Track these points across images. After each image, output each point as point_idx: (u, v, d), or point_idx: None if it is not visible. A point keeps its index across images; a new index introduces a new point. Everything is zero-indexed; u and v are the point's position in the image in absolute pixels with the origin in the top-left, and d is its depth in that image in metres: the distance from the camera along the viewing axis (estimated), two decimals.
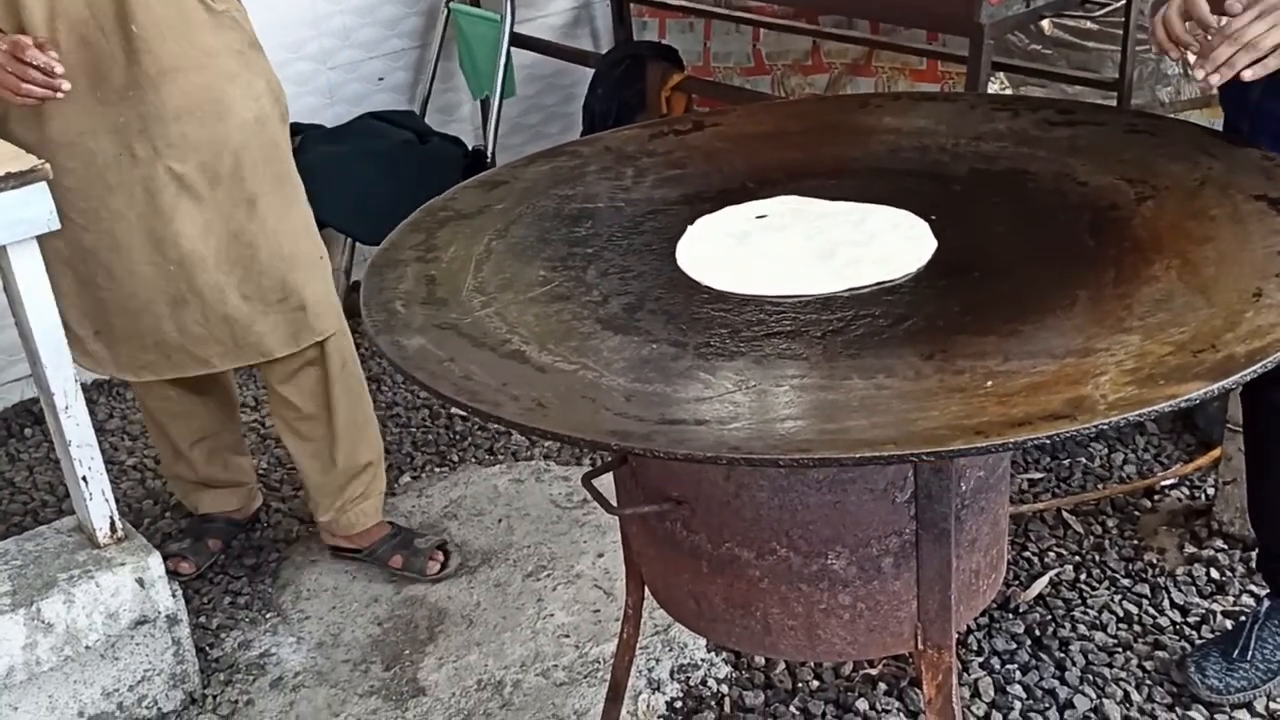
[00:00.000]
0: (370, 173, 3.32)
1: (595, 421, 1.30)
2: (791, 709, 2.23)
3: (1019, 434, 1.17)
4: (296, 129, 2.81)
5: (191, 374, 2.39)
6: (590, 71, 3.72)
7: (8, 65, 1.99)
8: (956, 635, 1.64)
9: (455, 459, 3.06)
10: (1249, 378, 1.21)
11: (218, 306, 2.30)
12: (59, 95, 2.02)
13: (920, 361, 1.36)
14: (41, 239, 2.02)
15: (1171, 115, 3.11)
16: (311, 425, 2.50)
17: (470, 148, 3.67)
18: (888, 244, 1.66)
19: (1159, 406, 1.18)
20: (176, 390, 2.51)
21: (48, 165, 1.98)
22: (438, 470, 3.03)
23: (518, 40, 3.73)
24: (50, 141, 2.16)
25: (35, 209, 1.98)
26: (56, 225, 2.02)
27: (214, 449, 2.65)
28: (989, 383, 1.28)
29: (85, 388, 3.37)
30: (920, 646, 1.63)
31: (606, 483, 1.79)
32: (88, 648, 2.18)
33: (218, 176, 2.24)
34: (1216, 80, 1.62)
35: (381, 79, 3.79)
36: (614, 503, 1.74)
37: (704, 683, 2.31)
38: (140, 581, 2.20)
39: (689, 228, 1.77)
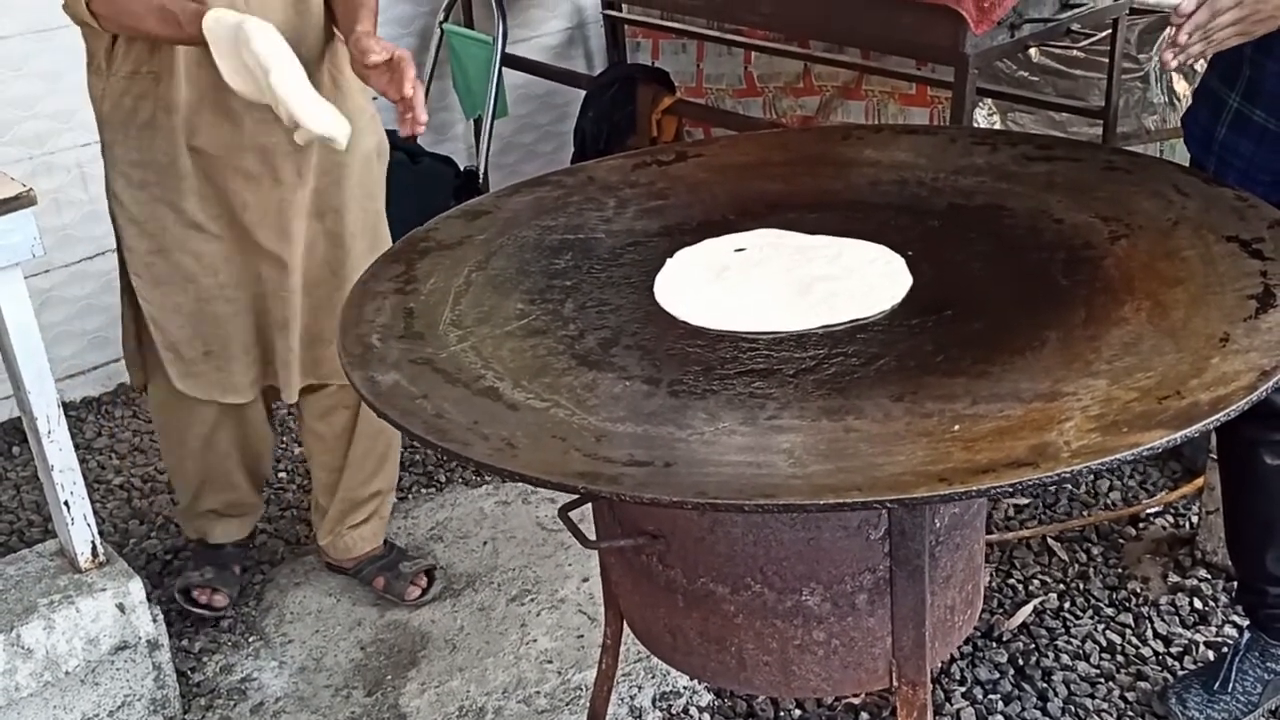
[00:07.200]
0: None
1: (564, 463, 1.30)
2: None
3: (982, 481, 1.17)
4: None
5: (278, 384, 2.39)
6: (583, 92, 3.73)
7: None
8: (935, 668, 1.64)
9: (442, 480, 3.06)
10: (1211, 426, 1.21)
11: (305, 332, 2.33)
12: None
13: (890, 403, 1.36)
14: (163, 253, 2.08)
15: (1157, 142, 3.13)
16: (333, 456, 2.55)
17: (462, 168, 3.67)
18: (864, 280, 1.67)
19: (1121, 455, 1.18)
20: (241, 411, 2.46)
21: (34, 191, 1.98)
22: (424, 491, 3.03)
23: (510, 61, 3.75)
24: (218, 154, 2.19)
25: (19, 236, 1.98)
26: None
27: (254, 471, 2.61)
28: (956, 427, 1.28)
29: (74, 405, 3.42)
30: (895, 683, 1.63)
31: (587, 512, 1.79)
32: (68, 673, 2.18)
33: (328, 206, 2.27)
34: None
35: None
36: (594, 533, 1.75)
37: (686, 711, 2.30)
38: (121, 607, 2.20)
39: (668, 261, 1.77)
